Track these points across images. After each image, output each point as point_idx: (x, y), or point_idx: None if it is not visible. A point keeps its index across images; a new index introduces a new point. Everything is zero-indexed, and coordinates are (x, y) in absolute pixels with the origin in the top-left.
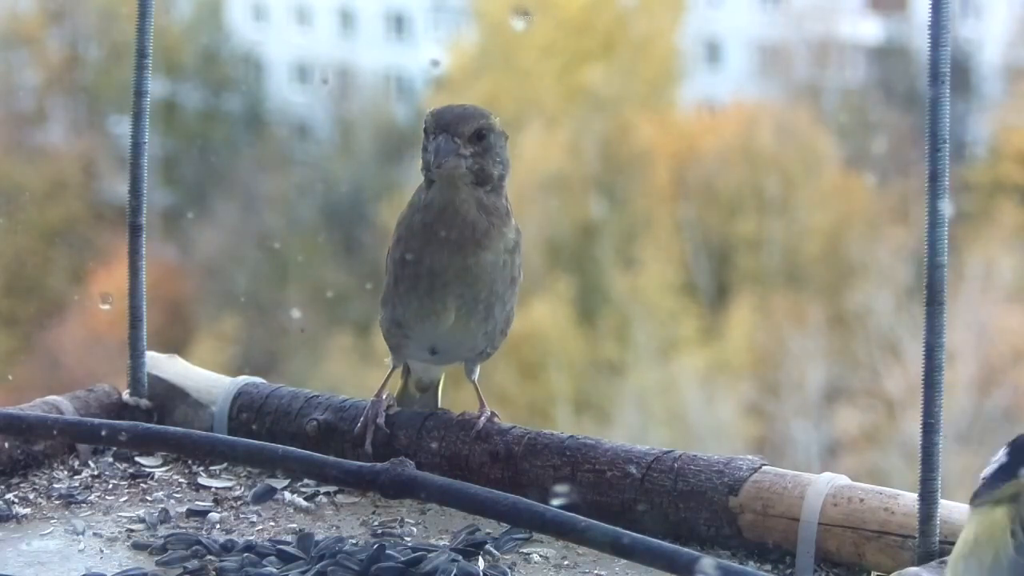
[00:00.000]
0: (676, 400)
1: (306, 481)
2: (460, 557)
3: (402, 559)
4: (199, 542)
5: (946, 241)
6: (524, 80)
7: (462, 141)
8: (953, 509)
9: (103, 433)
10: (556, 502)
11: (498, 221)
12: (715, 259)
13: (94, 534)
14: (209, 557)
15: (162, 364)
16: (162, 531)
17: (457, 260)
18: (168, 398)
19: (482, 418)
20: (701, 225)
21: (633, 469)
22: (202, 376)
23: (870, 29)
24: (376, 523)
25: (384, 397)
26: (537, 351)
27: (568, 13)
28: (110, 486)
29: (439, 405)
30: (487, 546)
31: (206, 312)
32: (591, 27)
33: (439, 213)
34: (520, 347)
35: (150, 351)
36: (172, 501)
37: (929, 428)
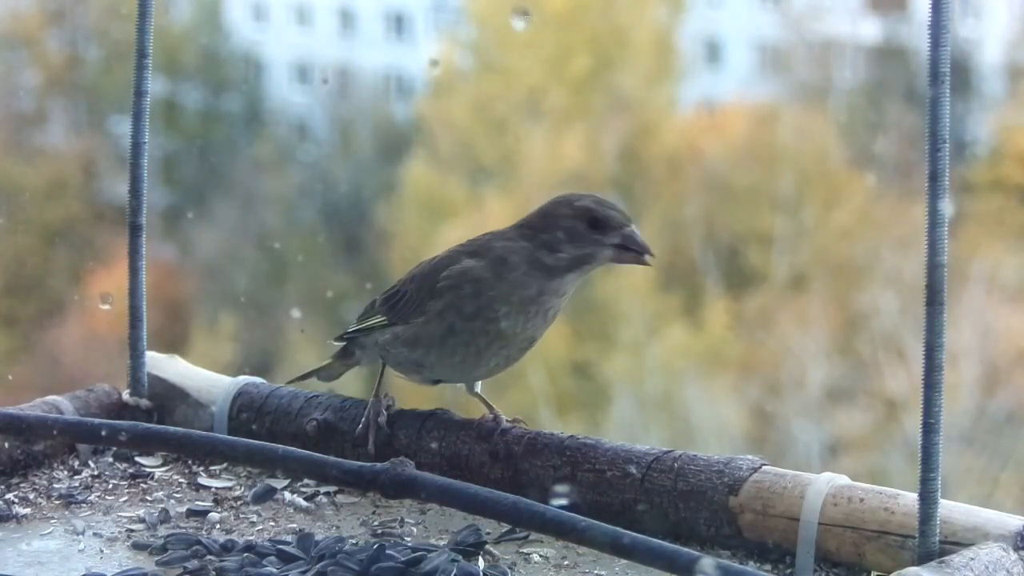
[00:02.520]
0: (676, 400)
1: (306, 481)
2: (460, 557)
3: (402, 559)
4: (199, 542)
5: (946, 241)
6: (522, 80)
7: None
8: (953, 509)
9: (103, 433)
10: (556, 502)
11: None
12: (716, 258)
13: (94, 534)
14: (209, 557)
15: (162, 364)
16: (162, 531)
17: (529, 331)
18: (168, 398)
19: (499, 429)
20: (702, 224)
21: (633, 469)
22: (202, 376)
23: (870, 29)
24: (376, 523)
25: (383, 396)
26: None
27: (565, 13)
28: (110, 486)
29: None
30: (487, 546)
31: (206, 312)
32: (590, 26)
33: (552, 296)
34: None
35: (150, 351)
36: (172, 501)
37: (929, 428)
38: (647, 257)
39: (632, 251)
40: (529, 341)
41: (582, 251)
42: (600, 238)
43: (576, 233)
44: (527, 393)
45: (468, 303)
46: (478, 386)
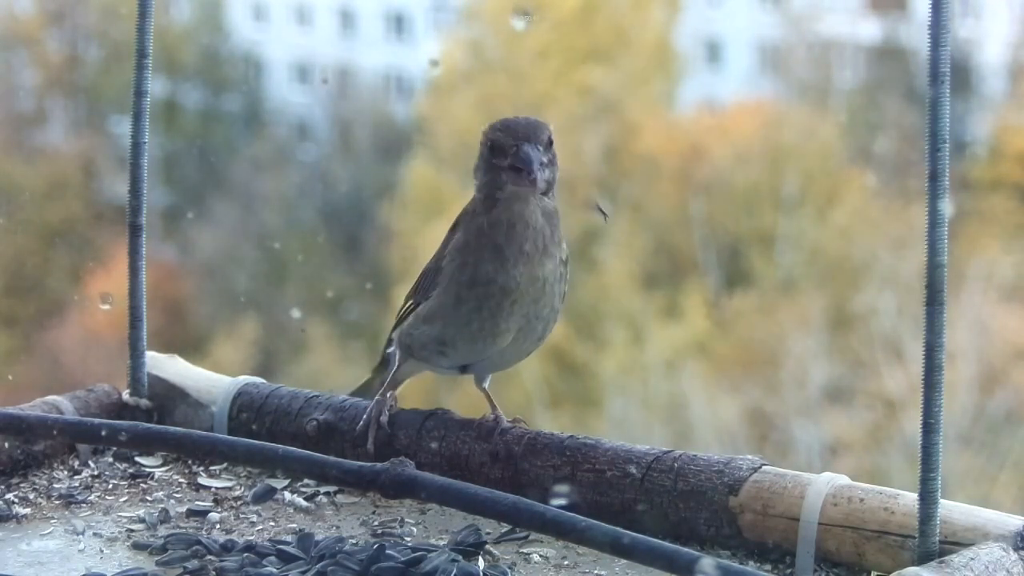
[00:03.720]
0: (677, 399)
1: (306, 481)
2: (460, 557)
3: (402, 559)
4: (199, 542)
5: (946, 241)
6: (528, 83)
7: (543, 149)
8: (953, 509)
9: (103, 433)
10: (556, 502)
11: (559, 224)
12: (716, 258)
13: (94, 534)
14: (209, 557)
15: (162, 364)
16: (162, 531)
17: (526, 273)
18: (168, 398)
19: (498, 429)
20: (702, 223)
21: (633, 469)
22: (202, 376)
23: (870, 29)
24: (376, 523)
25: (388, 396)
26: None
27: (566, 13)
28: (110, 486)
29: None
30: (487, 546)
31: (206, 312)
32: (590, 27)
33: (510, 228)
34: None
35: (150, 351)
36: (172, 501)
37: (929, 428)
38: (534, 177)
39: (521, 172)
40: (539, 285)
41: (487, 177)
42: (497, 163)
43: (483, 160)
44: (521, 391)
45: (463, 271)
46: (487, 380)
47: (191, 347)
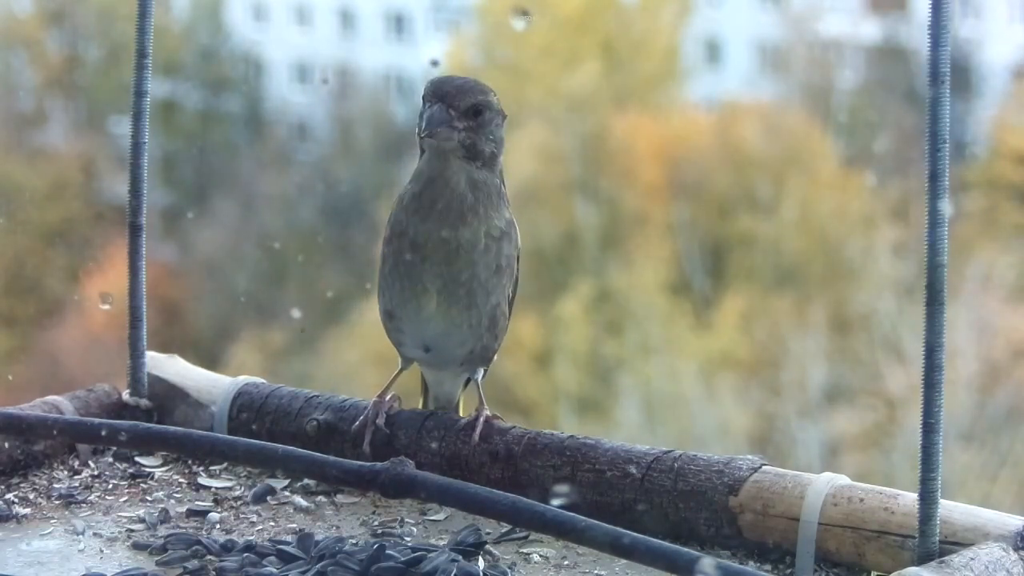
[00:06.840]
0: (677, 400)
1: (306, 481)
2: (460, 557)
3: (402, 559)
4: (199, 542)
5: (946, 241)
6: (526, 81)
7: (456, 113)
8: (953, 509)
9: (103, 433)
10: (556, 502)
11: (485, 199)
12: (713, 259)
13: (94, 534)
14: (209, 557)
15: (162, 364)
16: (162, 531)
17: (437, 232)
18: (168, 398)
19: (480, 418)
20: (701, 224)
21: (633, 469)
22: (202, 376)
23: (870, 29)
24: (376, 523)
25: (387, 398)
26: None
27: (568, 13)
28: (110, 486)
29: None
30: (487, 546)
31: (205, 312)
32: (592, 27)
33: (428, 183)
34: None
35: (150, 351)
36: (172, 501)
37: (929, 428)
38: (425, 140)
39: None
40: (452, 248)
41: (417, 128)
42: (422, 112)
43: (421, 108)
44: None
45: (387, 226)
46: (480, 375)
47: (191, 347)
